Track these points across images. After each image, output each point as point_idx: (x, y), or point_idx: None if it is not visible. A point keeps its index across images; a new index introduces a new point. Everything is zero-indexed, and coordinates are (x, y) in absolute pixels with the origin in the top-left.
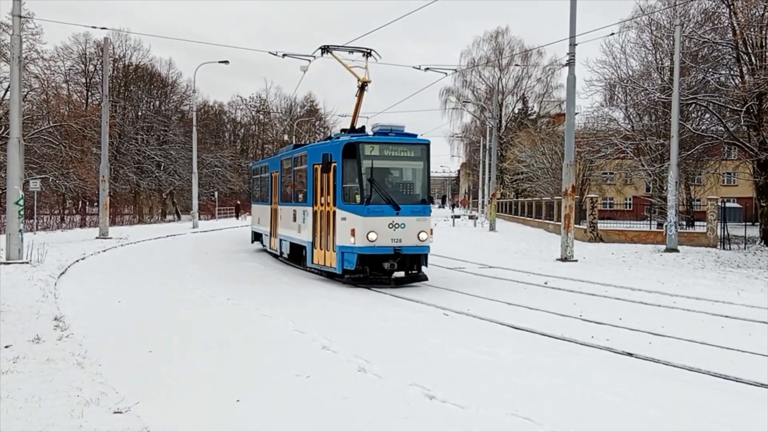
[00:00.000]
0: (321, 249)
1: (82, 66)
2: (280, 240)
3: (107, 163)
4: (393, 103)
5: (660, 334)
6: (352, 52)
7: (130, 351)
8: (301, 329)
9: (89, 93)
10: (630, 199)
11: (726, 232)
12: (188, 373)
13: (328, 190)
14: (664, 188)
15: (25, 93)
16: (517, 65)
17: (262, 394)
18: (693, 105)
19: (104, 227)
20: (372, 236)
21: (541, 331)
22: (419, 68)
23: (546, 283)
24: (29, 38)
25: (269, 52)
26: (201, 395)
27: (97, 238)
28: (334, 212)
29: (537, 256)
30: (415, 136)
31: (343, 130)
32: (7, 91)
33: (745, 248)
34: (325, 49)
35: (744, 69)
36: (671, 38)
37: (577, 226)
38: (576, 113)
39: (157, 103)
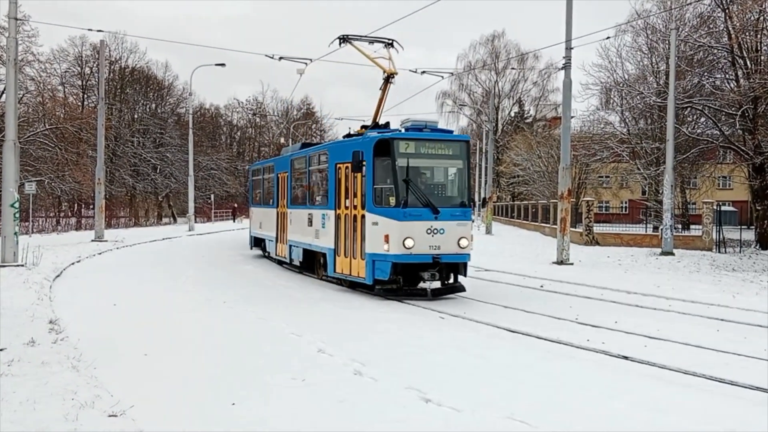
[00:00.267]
0: (345, 257)
1: (78, 68)
2: (290, 246)
3: (103, 165)
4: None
5: (655, 338)
6: (372, 42)
7: (126, 354)
8: (297, 332)
9: (85, 95)
10: (626, 203)
11: (721, 236)
12: (183, 376)
13: (354, 192)
14: (660, 191)
15: (21, 95)
16: (513, 69)
17: (257, 398)
18: (688, 109)
19: (100, 230)
20: (409, 243)
21: (537, 334)
22: (416, 71)
23: (542, 287)
24: (25, 41)
25: (266, 55)
26: (196, 398)
27: (92, 241)
28: (363, 216)
29: (533, 260)
30: (451, 132)
31: (363, 127)
32: (2, 93)
33: (740, 251)
34: (344, 40)
35: (739, 73)
36: (667, 42)
37: (573, 229)
38: (572, 117)
39: (154, 105)
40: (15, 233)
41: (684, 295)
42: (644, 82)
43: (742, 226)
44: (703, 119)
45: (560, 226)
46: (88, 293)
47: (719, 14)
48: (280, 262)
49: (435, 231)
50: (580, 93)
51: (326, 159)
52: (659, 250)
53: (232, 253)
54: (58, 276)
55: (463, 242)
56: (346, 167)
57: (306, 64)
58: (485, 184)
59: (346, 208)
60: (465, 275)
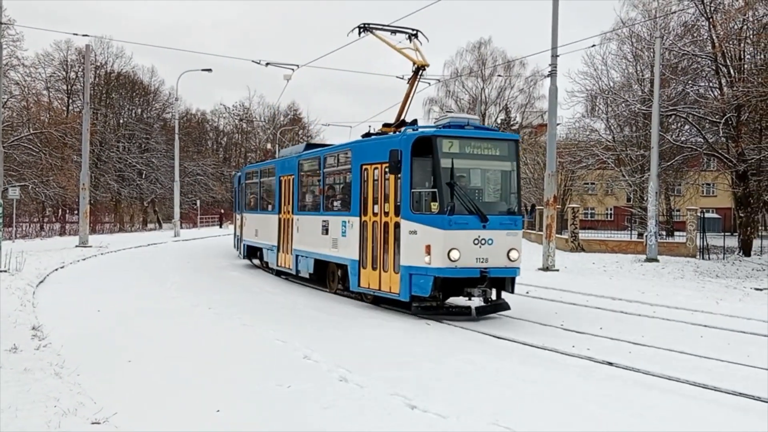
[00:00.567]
0: (373, 269)
1: (64, 73)
2: (297, 256)
3: (88, 170)
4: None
5: (640, 344)
6: (395, 32)
7: (109, 361)
8: (282, 339)
9: (70, 100)
10: (611, 209)
11: (705, 243)
12: (167, 383)
13: (385, 197)
14: (645, 198)
15: (5, 100)
16: (499, 76)
17: (242, 404)
18: (673, 116)
19: (84, 236)
20: (454, 255)
21: (523, 341)
22: (402, 78)
23: (527, 293)
24: (10, 45)
25: (252, 61)
26: (180, 405)
27: (76, 246)
28: (397, 224)
29: None
30: (496, 130)
31: (386, 125)
32: None
33: (723, 258)
34: (365, 29)
35: (723, 81)
36: (651, 50)
37: (558, 235)
38: (558, 124)
39: (139, 110)
40: None
41: (668, 302)
42: (629, 89)
43: (726, 233)
44: (687, 127)
45: (546, 232)
46: (72, 299)
47: (703, 23)
48: (278, 273)
49: (483, 241)
50: (565, 100)
51: (348, 160)
52: (644, 257)
53: (217, 259)
54: (41, 282)
55: (513, 254)
56: (375, 168)
57: (293, 70)
58: None
59: (375, 214)
60: (512, 291)
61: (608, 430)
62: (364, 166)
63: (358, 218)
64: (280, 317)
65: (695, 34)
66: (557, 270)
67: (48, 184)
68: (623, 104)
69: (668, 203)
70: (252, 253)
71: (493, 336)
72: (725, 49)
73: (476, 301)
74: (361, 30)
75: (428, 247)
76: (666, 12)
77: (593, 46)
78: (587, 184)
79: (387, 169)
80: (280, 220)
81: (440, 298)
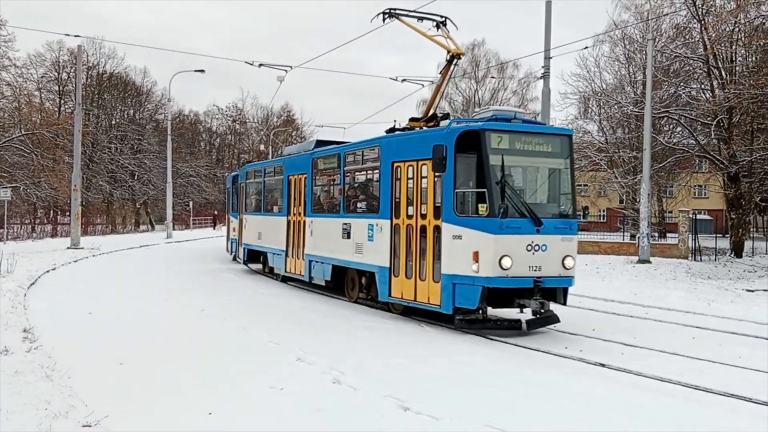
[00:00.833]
0: (408, 278)
1: (56, 74)
2: (310, 262)
3: (80, 172)
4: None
5: (632, 345)
6: (421, 19)
7: (101, 363)
8: (275, 341)
9: (62, 101)
10: (604, 211)
11: (697, 244)
12: (159, 385)
13: (422, 197)
14: (637, 200)
15: None
16: (493, 77)
17: (234, 407)
18: (665, 118)
19: (76, 237)
20: (506, 262)
21: (516, 342)
22: (396, 79)
23: None
24: (1, 45)
25: (246, 62)
26: (172, 408)
27: (68, 248)
28: (438, 228)
29: None
30: (543, 124)
31: (413, 120)
32: None
33: (715, 260)
34: (390, 14)
35: (714, 83)
36: (644, 52)
37: None
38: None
39: (132, 111)
40: None
41: (660, 303)
42: (622, 91)
43: (718, 235)
44: (679, 129)
45: None
46: (63, 301)
47: (695, 25)
48: (284, 279)
49: (536, 247)
50: (558, 102)
51: (376, 156)
52: (636, 258)
53: (211, 261)
54: (32, 284)
55: (569, 262)
56: (409, 166)
57: (286, 71)
58: None
59: (409, 217)
60: (564, 303)
61: (601, 431)
62: (396, 164)
63: (388, 221)
64: (274, 320)
65: (687, 37)
66: None
67: (39, 185)
68: (616, 106)
69: (660, 205)
70: (253, 257)
71: (486, 337)
72: (717, 52)
73: (525, 313)
74: (386, 16)
75: (476, 254)
76: (658, 14)
77: (586, 48)
78: (580, 185)
79: (424, 167)
80: (289, 222)
81: (485, 310)
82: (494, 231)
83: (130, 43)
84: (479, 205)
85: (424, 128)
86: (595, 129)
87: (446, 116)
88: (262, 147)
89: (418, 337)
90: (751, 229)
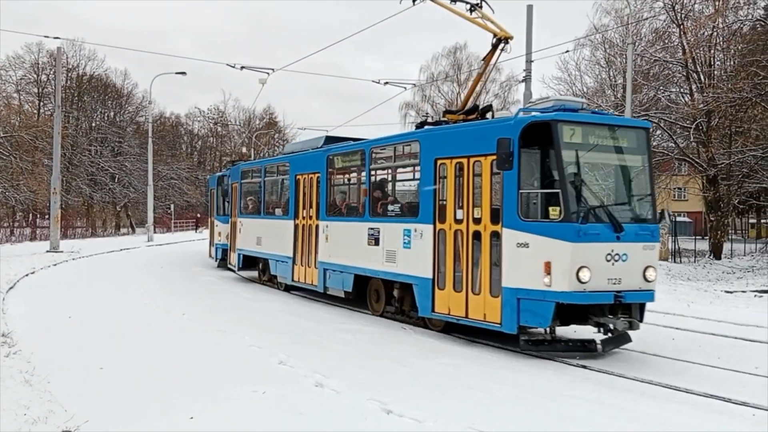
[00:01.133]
0: (457, 291)
1: (35, 76)
2: (326, 270)
3: (59, 174)
4: (351, 117)
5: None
6: (455, 1)
7: (81, 368)
8: (258, 344)
9: (41, 103)
10: None
11: (677, 246)
12: (140, 389)
13: (476, 199)
14: None
15: None
16: None
17: (216, 411)
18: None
19: (55, 241)
20: (584, 275)
21: (498, 344)
22: (378, 82)
23: None
24: None
25: (227, 65)
26: (153, 412)
27: (47, 251)
28: (496, 234)
29: None
30: (612, 115)
31: (449, 113)
32: None
33: (694, 261)
34: None
35: (693, 87)
36: (624, 56)
37: None
38: None
39: (112, 114)
40: None
41: None
42: (602, 95)
43: (697, 237)
44: (659, 132)
45: None
46: (43, 305)
47: (674, 30)
48: (288, 288)
49: (616, 257)
50: None
51: (414, 153)
52: None
53: (192, 264)
54: (11, 288)
55: (650, 273)
56: (458, 164)
57: (268, 74)
58: None
59: (458, 221)
60: (641, 320)
61: (585, 431)
62: (440, 161)
63: (431, 226)
64: (256, 323)
65: (666, 41)
66: None
67: (18, 188)
68: (596, 109)
69: None
70: (249, 263)
71: (468, 339)
72: (696, 56)
73: (580, 329)
74: None
75: (548, 265)
76: (638, 19)
77: (567, 51)
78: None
79: (477, 164)
80: (296, 226)
81: (554, 331)
82: (571, 238)
83: (111, 45)
84: (550, 209)
85: (476, 120)
86: None
87: (488, 108)
88: (244, 149)
89: (400, 340)
90: (730, 231)
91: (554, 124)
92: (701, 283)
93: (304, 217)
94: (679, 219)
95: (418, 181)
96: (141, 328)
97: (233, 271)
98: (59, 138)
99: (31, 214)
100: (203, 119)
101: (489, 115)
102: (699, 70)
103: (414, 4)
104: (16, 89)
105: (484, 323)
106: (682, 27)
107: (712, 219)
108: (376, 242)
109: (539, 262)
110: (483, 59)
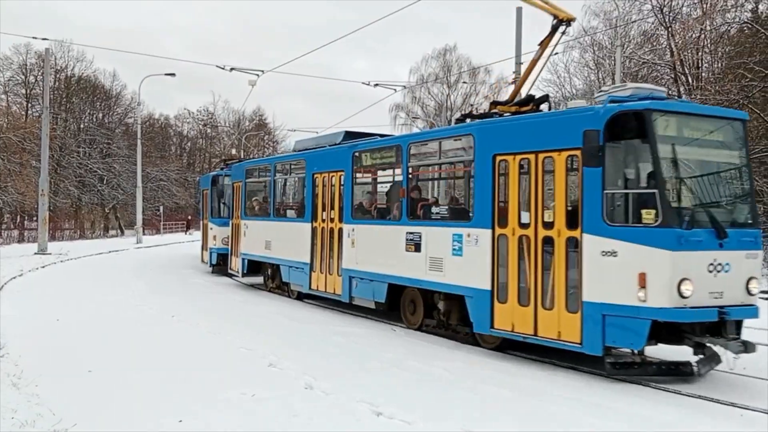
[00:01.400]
0: (523, 305)
1: (23, 77)
2: (352, 278)
3: (47, 176)
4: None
5: None
6: None
7: (69, 371)
8: (248, 346)
9: (29, 104)
10: None
11: None
12: (129, 393)
13: (545, 200)
14: None
15: None
16: (465, 82)
17: (205, 414)
18: None
19: (43, 243)
20: (686, 289)
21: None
22: (368, 84)
23: None
24: None
25: (217, 66)
26: (141, 416)
27: (35, 253)
28: (575, 240)
29: None
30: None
31: (495, 104)
32: None
33: None
34: None
35: (681, 89)
36: (612, 58)
37: None
38: None
39: (101, 115)
40: None
41: None
42: (591, 97)
43: None
44: None
45: None
46: (31, 308)
47: (662, 32)
48: (300, 296)
49: (719, 268)
50: None
51: (468, 148)
52: None
53: (181, 267)
54: None
55: (753, 286)
56: (523, 160)
57: (258, 75)
58: None
59: (523, 226)
60: (740, 335)
61: (568, 428)
62: (500, 158)
63: (488, 231)
64: (248, 326)
65: (655, 43)
66: None
67: (6, 190)
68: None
69: None
70: (254, 269)
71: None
72: (683, 58)
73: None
74: None
75: (642, 277)
76: (626, 21)
77: (556, 53)
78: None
79: (548, 160)
80: (314, 229)
81: (643, 352)
82: (670, 246)
83: (99, 46)
84: (643, 211)
85: (533, 112)
86: None
87: (545, 98)
88: (234, 151)
89: (391, 342)
90: None
91: (648, 114)
92: None
93: (323, 220)
94: None
95: (470, 180)
96: (130, 330)
97: (231, 276)
98: (47, 139)
99: (18, 216)
100: (192, 121)
101: (544, 107)
102: (687, 72)
103: None
104: (3, 90)
105: (559, 342)
106: (670, 29)
107: None
108: (417, 248)
109: (631, 274)
110: (539, 44)
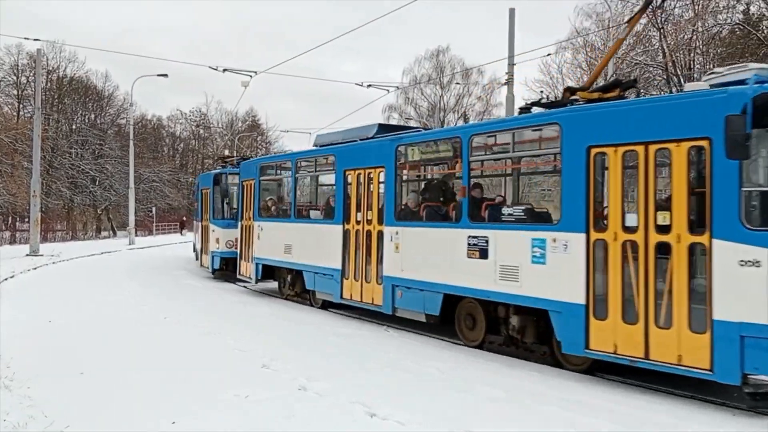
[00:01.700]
0: (630, 323)
1: (14, 78)
2: (395, 288)
3: (39, 177)
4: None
5: None
6: None
7: (61, 372)
8: (242, 348)
9: (21, 105)
10: None
11: None
12: (121, 394)
13: (658, 200)
14: None
15: None
16: (458, 83)
17: (198, 416)
18: None
19: (35, 244)
20: None
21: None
22: (361, 85)
23: None
24: None
25: (210, 67)
26: (134, 418)
27: (27, 255)
28: (701, 247)
29: None
30: None
31: (569, 90)
32: None
33: None
34: None
35: (674, 90)
36: None
37: None
38: None
39: (93, 116)
40: None
41: None
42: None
43: None
44: None
45: None
46: (23, 310)
47: (654, 33)
48: (326, 305)
49: None
50: None
51: (553, 138)
52: None
53: (174, 268)
54: None
55: None
56: (628, 153)
57: (251, 76)
58: None
59: (628, 229)
60: None
61: (556, 427)
62: (595, 150)
63: (581, 235)
64: (240, 326)
65: (647, 44)
66: None
67: None
68: None
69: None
70: (268, 274)
71: (454, 343)
72: (676, 59)
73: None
74: None
75: None
76: (619, 22)
77: (549, 55)
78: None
79: (663, 153)
80: (347, 232)
81: None
82: None
83: (91, 47)
84: None
85: (619, 98)
86: None
87: (633, 82)
88: (227, 152)
89: (386, 343)
90: None
91: None
92: None
93: (358, 221)
94: None
95: (554, 177)
96: (122, 332)
97: (241, 282)
98: (39, 141)
99: (10, 217)
100: (185, 121)
101: (630, 93)
102: (679, 73)
103: None
104: None
105: (680, 368)
106: (662, 31)
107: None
108: (483, 254)
109: None
110: (627, 22)
